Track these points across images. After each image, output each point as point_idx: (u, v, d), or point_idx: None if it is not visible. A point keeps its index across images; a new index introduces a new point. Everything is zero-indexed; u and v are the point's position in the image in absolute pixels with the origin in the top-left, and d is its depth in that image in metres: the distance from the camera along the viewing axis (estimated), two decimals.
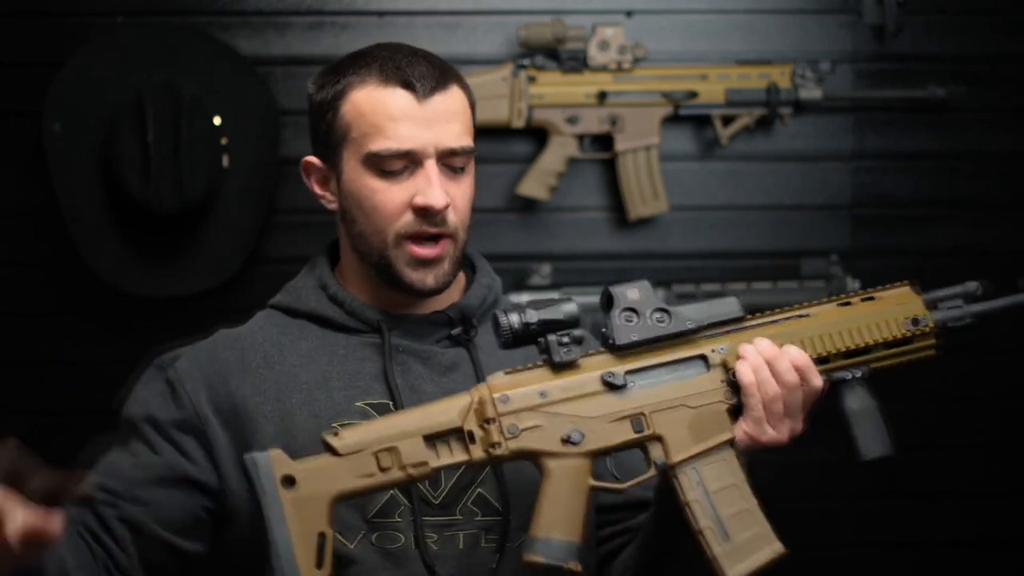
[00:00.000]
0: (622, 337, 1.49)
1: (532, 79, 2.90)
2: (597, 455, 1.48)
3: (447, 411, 1.46)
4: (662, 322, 1.50)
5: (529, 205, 2.99)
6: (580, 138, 2.94)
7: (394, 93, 1.59)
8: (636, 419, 1.48)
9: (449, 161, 1.61)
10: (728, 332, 1.53)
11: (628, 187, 2.94)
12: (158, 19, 2.94)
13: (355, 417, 1.58)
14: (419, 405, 1.51)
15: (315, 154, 1.69)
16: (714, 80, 2.94)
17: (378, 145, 1.59)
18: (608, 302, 1.51)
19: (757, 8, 3.01)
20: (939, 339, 1.55)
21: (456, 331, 1.67)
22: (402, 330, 1.66)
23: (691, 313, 1.52)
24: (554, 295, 1.49)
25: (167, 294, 2.91)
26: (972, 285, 1.57)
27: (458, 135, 1.60)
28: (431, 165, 1.59)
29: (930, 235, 3.05)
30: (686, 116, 2.96)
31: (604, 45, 2.90)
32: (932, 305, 1.56)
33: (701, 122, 2.99)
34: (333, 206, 1.70)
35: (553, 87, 2.91)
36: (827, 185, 3.04)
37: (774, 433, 1.51)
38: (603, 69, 2.91)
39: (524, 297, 2.91)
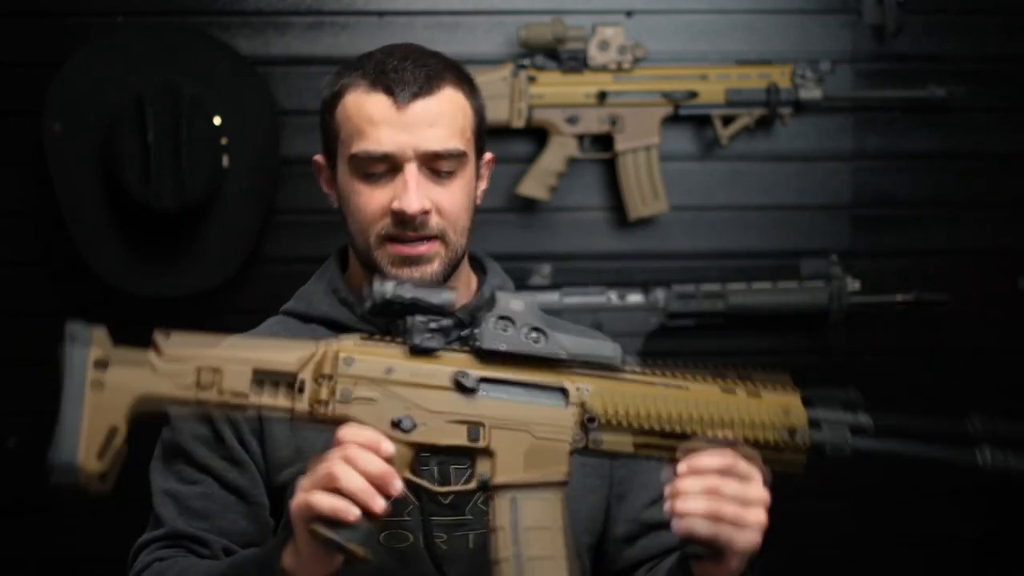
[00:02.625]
0: (488, 342, 1.43)
1: (532, 79, 2.90)
2: (423, 449, 1.41)
3: (288, 352, 1.40)
4: (536, 341, 1.43)
5: (529, 205, 2.99)
6: (580, 138, 2.94)
7: (375, 98, 1.61)
8: (474, 427, 1.41)
9: (434, 165, 1.61)
10: (598, 376, 1.45)
11: (628, 187, 2.94)
12: (158, 19, 2.94)
13: None
14: (261, 339, 1.47)
15: (323, 153, 1.71)
16: (714, 80, 2.94)
17: (357, 147, 1.61)
18: (490, 304, 1.45)
19: (757, 8, 3.00)
20: (810, 459, 1.45)
21: (464, 333, 1.66)
22: (410, 333, 1.65)
23: (568, 343, 1.44)
24: (440, 289, 1.42)
25: (167, 294, 2.91)
26: (864, 418, 1.48)
27: (442, 139, 1.60)
28: (410, 170, 1.59)
29: (930, 235, 3.05)
30: (686, 116, 2.96)
31: (604, 45, 2.90)
32: (815, 423, 1.46)
33: (701, 122, 2.99)
34: (336, 205, 1.72)
35: (553, 87, 2.91)
36: (827, 185, 3.04)
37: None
38: (603, 69, 2.91)
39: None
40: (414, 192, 1.59)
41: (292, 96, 2.96)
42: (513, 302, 1.44)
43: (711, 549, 1.40)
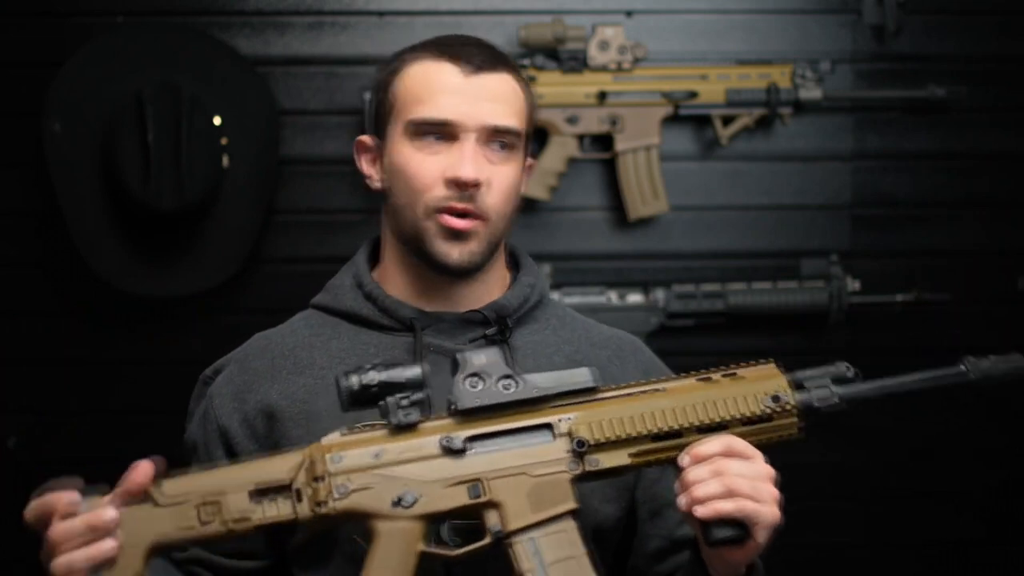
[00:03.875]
0: (465, 402, 1.44)
1: (532, 79, 2.90)
2: (430, 519, 1.43)
3: (277, 467, 1.42)
4: (508, 388, 1.45)
5: (529, 205, 2.98)
6: (580, 138, 2.94)
7: (441, 67, 1.61)
8: (473, 485, 1.43)
9: (492, 140, 1.60)
10: (578, 403, 1.46)
11: (628, 187, 2.94)
12: (158, 19, 2.94)
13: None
14: (251, 459, 1.49)
15: (370, 132, 1.70)
16: (714, 80, 2.94)
17: (419, 113, 1.60)
18: (454, 367, 1.46)
19: (757, 8, 3.01)
20: (804, 419, 1.48)
21: (491, 331, 1.65)
22: (435, 329, 1.64)
23: (540, 381, 1.46)
24: (406, 365, 1.44)
25: (167, 294, 2.91)
26: (842, 366, 1.53)
27: (503, 114, 1.60)
28: (468, 139, 1.59)
29: (930, 235, 3.05)
30: (686, 116, 2.96)
31: (604, 45, 2.90)
32: (798, 385, 1.50)
33: (701, 122, 2.99)
34: (378, 185, 1.68)
35: (553, 87, 2.91)
36: (827, 185, 3.04)
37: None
38: (603, 69, 2.91)
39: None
40: (470, 160, 1.58)
41: (292, 96, 2.96)
42: (475, 358, 1.45)
43: (738, 528, 1.42)
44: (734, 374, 1.51)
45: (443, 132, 1.60)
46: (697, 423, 1.46)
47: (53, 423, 2.97)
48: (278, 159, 2.93)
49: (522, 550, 1.42)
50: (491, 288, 1.68)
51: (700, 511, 1.41)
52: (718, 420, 1.46)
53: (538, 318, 1.71)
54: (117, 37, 2.91)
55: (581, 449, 1.44)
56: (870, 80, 3.01)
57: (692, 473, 1.43)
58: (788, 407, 1.48)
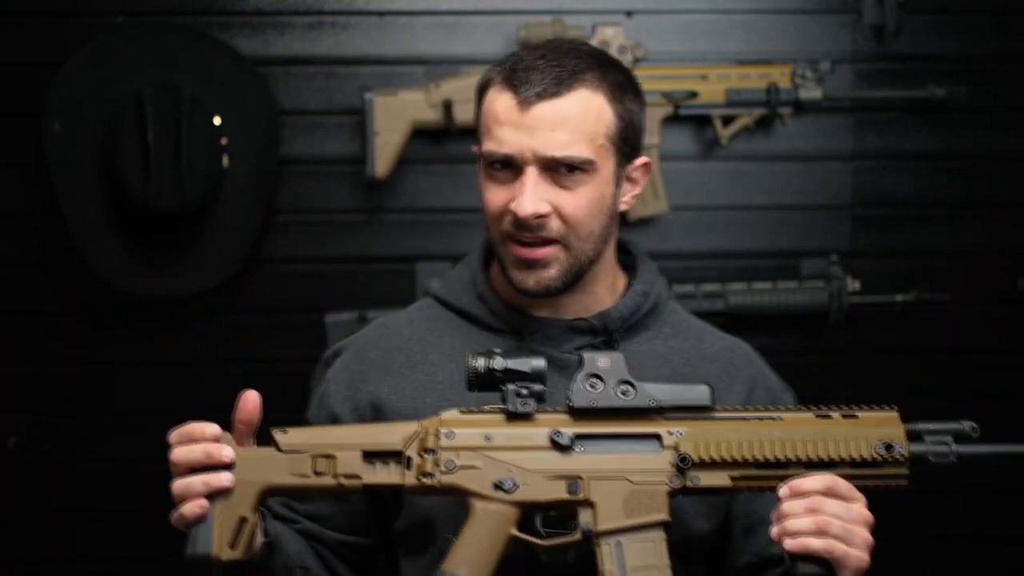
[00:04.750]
0: (580, 401, 1.49)
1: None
2: (526, 507, 1.48)
3: (393, 433, 1.50)
4: (625, 395, 1.49)
5: None
6: None
7: (503, 96, 1.60)
8: (573, 481, 1.48)
9: (557, 169, 1.59)
10: (690, 419, 1.50)
11: None
12: (158, 19, 2.94)
13: None
14: (370, 424, 1.57)
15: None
16: (714, 80, 2.94)
17: (485, 146, 1.62)
18: (579, 363, 1.51)
19: (757, 8, 3.01)
20: (914, 471, 1.48)
21: (597, 340, 1.67)
22: (543, 335, 1.66)
23: (657, 393, 1.50)
24: (531, 357, 1.49)
25: (167, 294, 2.91)
26: (967, 424, 1.51)
27: (563, 144, 1.58)
28: (530, 172, 1.58)
29: (930, 235, 3.05)
30: (686, 116, 2.96)
31: (604, 45, 2.90)
32: (916, 436, 1.50)
33: (701, 122, 2.99)
34: None
35: None
36: (827, 185, 3.04)
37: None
38: None
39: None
40: (529, 195, 1.58)
41: (292, 96, 2.96)
42: (600, 360, 1.50)
43: (824, 567, 1.43)
44: (855, 416, 1.51)
45: (507, 164, 1.60)
46: (804, 459, 1.48)
47: (53, 423, 2.97)
48: (278, 159, 2.93)
49: (608, 551, 1.47)
50: (600, 295, 1.69)
51: (789, 544, 1.43)
52: (826, 459, 1.48)
53: (650, 326, 1.72)
54: (117, 37, 2.90)
55: (684, 465, 1.48)
56: (870, 80, 3.01)
57: (788, 506, 1.44)
58: (900, 458, 1.49)
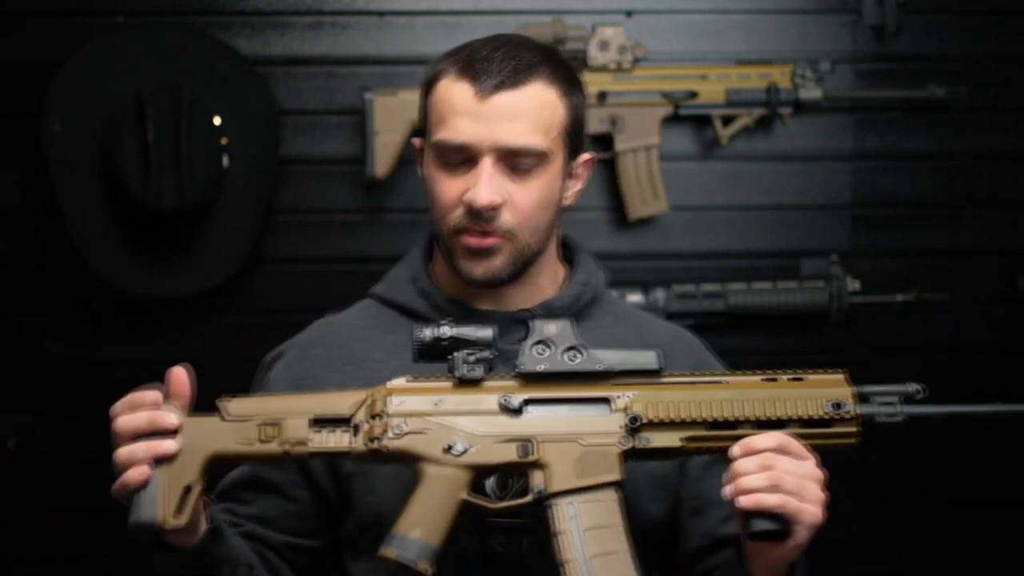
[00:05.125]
0: (528, 366, 1.50)
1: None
2: (477, 471, 1.48)
3: (341, 401, 1.49)
4: (573, 359, 1.50)
5: None
6: None
7: (460, 86, 1.60)
8: (524, 444, 1.48)
9: (512, 160, 1.60)
10: (639, 383, 1.51)
11: (628, 187, 2.94)
12: (158, 19, 2.94)
13: None
14: (317, 392, 1.55)
15: (421, 136, 1.71)
16: (714, 80, 2.94)
17: (438, 135, 1.61)
18: (525, 332, 1.52)
19: (757, 8, 3.01)
20: (862, 430, 1.49)
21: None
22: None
23: (606, 356, 1.51)
24: (480, 326, 1.50)
25: (167, 294, 2.91)
26: (914, 387, 1.52)
27: (521, 134, 1.59)
28: (486, 162, 1.59)
29: (930, 235, 3.05)
30: (686, 116, 2.96)
31: (604, 45, 2.90)
32: (864, 398, 1.51)
33: (701, 122, 2.99)
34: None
35: None
36: (827, 185, 3.04)
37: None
38: (603, 69, 2.91)
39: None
40: (485, 184, 1.58)
41: (292, 96, 2.96)
42: (547, 327, 1.51)
43: (780, 523, 1.44)
44: (801, 378, 1.53)
45: (462, 154, 1.60)
46: (754, 417, 1.49)
47: (53, 423, 2.97)
48: (278, 159, 2.93)
49: (561, 512, 1.46)
50: (542, 286, 1.70)
51: (743, 501, 1.44)
52: (775, 418, 1.49)
53: (591, 315, 1.73)
54: (117, 37, 2.91)
55: (635, 425, 1.48)
56: (870, 80, 3.01)
57: (741, 464, 1.45)
58: (848, 416, 1.50)
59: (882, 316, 3.00)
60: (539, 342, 1.50)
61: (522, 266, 1.65)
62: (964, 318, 3.05)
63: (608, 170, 2.98)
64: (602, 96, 2.91)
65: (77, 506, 2.94)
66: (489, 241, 1.61)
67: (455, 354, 1.50)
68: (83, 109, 2.84)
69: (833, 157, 3.04)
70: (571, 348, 1.50)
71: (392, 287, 1.74)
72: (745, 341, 2.97)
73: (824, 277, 2.96)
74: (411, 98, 2.89)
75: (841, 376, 1.53)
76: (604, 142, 2.96)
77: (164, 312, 2.96)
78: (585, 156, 1.71)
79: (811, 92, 2.92)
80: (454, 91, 1.60)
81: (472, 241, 1.61)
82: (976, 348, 3.06)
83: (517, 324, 1.66)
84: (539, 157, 1.60)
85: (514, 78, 1.59)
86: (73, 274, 2.93)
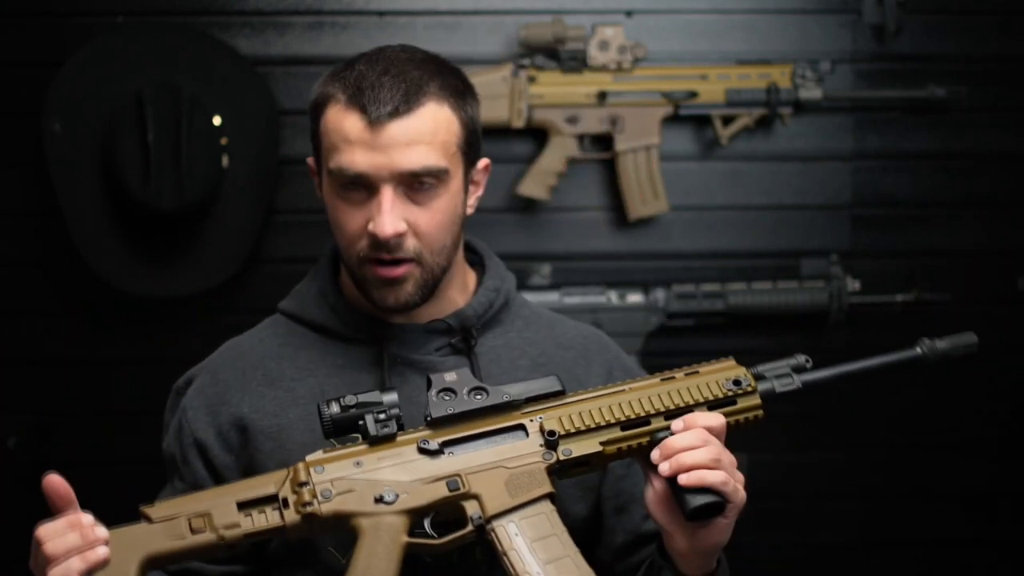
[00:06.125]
0: (438, 412, 1.51)
1: (532, 79, 2.90)
2: (412, 514, 1.49)
3: (263, 482, 1.49)
4: (479, 397, 1.52)
5: (529, 205, 2.99)
6: (580, 138, 2.94)
7: (351, 117, 1.58)
8: (452, 480, 1.50)
9: (412, 184, 1.59)
10: (547, 407, 1.54)
11: (628, 187, 2.94)
12: (158, 19, 2.94)
13: None
14: (236, 482, 1.53)
15: (313, 156, 1.69)
16: (714, 80, 2.94)
17: (333, 163, 1.59)
18: (428, 385, 1.54)
19: (757, 8, 3.00)
20: (767, 403, 1.56)
21: (456, 340, 1.67)
22: (400, 340, 1.66)
23: (511, 389, 1.54)
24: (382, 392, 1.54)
25: (167, 294, 2.91)
26: (801, 357, 1.60)
27: (419, 158, 1.57)
28: (385, 191, 1.57)
29: (930, 235, 3.05)
30: (686, 116, 2.96)
31: (604, 45, 2.90)
32: (759, 376, 1.58)
33: (701, 122, 2.99)
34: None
35: (553, 87, 2.91)
36: (827, 185, 3.04)
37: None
38: (603, 69, 2.91)
39: (524, 297, 2.91)
40: (388, 215, 1.57)
41: (292, 96, 2.96)
42: (447, 376, 1.53)
43: (720, 498, 1.47)
44: (696, 372, 1.58)
45: (360, 183, 1.58)
46: (663, 408, 1.54)
47: (53, 423, 2.97)
48: (278, 159, 2.93)
49: (503, 533, 1.48)
50: (453, 296, 1.69)
51: (685, 478, 1.47)
52: (683, 404, 1.54)
53: (503, 320, 1.73)
54: (117, 37, 2.90)
55: (552, 439, 1.51)
56: (870, 80, 3.01)
57: (683, 438, 1.49)
58: (751, 389, 1.56)
59: (882, 316, 3.00)
60: (442, 391, 1.52)
61: (433, 286, 1.65)
62: (964, 318, 3.04)
63: (608, 170, 2.98)
64: (602, 96, 2.91)
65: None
66: (399, 271, 1.60)
67: (365, 418, 1.50)
68: (83, 109, 2.84)
69: (833, 157, 3.04)
70: (475, 389, 1.53)
71: (302, 304, 1.72)
72: (745, 341, 2.97)
73: (824, 277, 2.96)
74: None
75: (731, 361, 1.59)
76: (604, 142, 2.96)
77: (164, 312, 2.96)
78: (484, 162, 1.70)
79: (811, 92, 2.92)
80: (346, 122, 1.58)
81: (382, 272, 1.60)
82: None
83: (432, 334, 1.67)
84: (439, 176, 1.60)
85: (406, 104, 1.57)
86: (73, 274, 2.93)
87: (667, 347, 2.95)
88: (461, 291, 1.71)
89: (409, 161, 1.57)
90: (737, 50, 2.99)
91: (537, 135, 2.96)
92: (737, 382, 1.56)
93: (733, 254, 3.03)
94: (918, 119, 3.03)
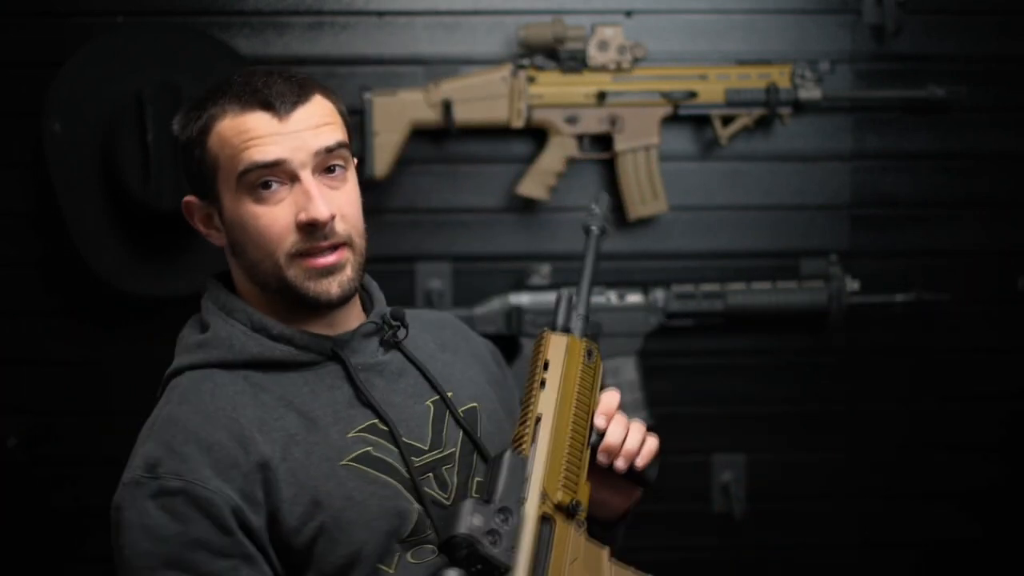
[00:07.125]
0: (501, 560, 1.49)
1: (532, 79, 2.90)
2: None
3: None
4: (502, 519, 1.50)
5: (529, 205, 2.99)
6: (580, 138, 2.94)
7: (253, 116, 1.59)
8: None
9: (327, 163, 1.60)
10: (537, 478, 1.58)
11: (628, 187, 2.94)
12: (158, 19, 2.94)
13: (358, 448, 1.58)
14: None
15: (193, 193, 1.68)
16: (714, 80, 2.94)
17: (247, 161, 1.58)
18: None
19: (757, 8, 3.01)
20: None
21: (386, 335, 1.68)
22: (351, 348, 1.66)
23: (505, 490, 1.53)
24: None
25: (167, 294, 2.91)
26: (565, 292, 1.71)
27: (330, 134, 1.60)
28: (307, 178, 1.58)
29: (929, 235, 3.05)
30: (686, 116, 2.96)
31: (604, 45, 2.90)
32: (566, 329, 1.67)
33: (701, 122, 2.99)
34: (221, 242, 1.70)
35: (553, 87, 2.91)
36: (827, 185, 3.04)
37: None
38: (603, 69, 2.91)
39: (524, 297, 2.92)
40: (319, 198, 1.57)
41: None
42: (475, 520, 1.48)
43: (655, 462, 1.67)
44: (544, 364, 1.63)
45: (279, 175, 1.58)
46: (590, 412, 1.64)
47: (53, 423, 2.97)
48: None
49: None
50: (355, 300, 1.71)
51: (642, 461, 1.63)
52: (597, 402, 1.65)
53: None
54: (117, 37, 2.90)
55: (574, 507, 1.56)
56: (870, 80, 3.01)
57: (617, 434, 1.62)
58: (596, 348, 1.68)
59: (882, 316, 3.00)
60: (487, 534, 1.47)
61: (363, 274, 1.67)
62: (964, 318, 3.05)
63: (608, 170, 2.98)
64: (602, 96, 2.91)
65: (77, 506, 2.94)
66: (337, 255, 1.60)
67: None
68: (83, 109, 2.84)
69: (832, 157, 3.04)
70: (499, 511, 1.50)
71: (230, 347, 1.64)
72: (745, 341, 2.97)
73: (824, 277, 2.96)
74: (411, 98, 2.89)
75: (554, 336, 1.64)
76: (604, 142, 2.96)
77: (164, 312, 2.96)
78: (354, 161, 1.71)
79: (810, 92, 2.92)
80: (249, 122, 1.59)
81: (321, 261, 1.59)
82: (976, 348, 3.06)
83: (370, 336, 1.67)
84: (347, 158, 1.63)
85: (303, 94, 1.60)
86: (73, 274, 2.93)
87: (666, 347, 2.95)
88: (356, 308, 1.73)
89: (321, 139, 1.59)
90: (737, 50, 2.99)
91: (537, 135, 2.96)
92: (589, 352, 1.66)
93: (732, 254, 3.03)
94: (918, 119, 3.03)
